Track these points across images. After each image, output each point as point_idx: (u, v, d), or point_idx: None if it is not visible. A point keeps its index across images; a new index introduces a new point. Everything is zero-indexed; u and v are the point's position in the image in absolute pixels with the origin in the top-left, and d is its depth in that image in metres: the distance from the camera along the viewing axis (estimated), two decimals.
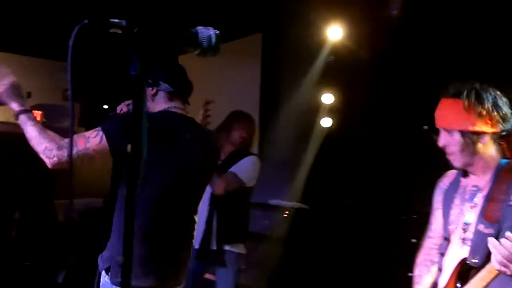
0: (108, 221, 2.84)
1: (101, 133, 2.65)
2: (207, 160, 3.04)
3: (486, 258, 2.19)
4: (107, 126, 2.69)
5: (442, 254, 2.46)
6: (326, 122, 6.74)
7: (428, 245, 2.65)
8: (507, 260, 2.06)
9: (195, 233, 4.24)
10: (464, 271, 2.29)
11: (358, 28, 5.93)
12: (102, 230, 2.84)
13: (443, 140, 2.39)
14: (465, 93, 2.34)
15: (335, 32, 6.22)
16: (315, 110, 6.74)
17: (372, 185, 6.03)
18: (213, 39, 1.66)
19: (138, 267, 2.64)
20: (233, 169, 4.24)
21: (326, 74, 6.50)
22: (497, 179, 2.34)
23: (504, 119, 2.33)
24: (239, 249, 4.31)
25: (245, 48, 7.29)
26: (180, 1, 6.20)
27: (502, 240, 2.08)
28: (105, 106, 7.08)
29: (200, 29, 1.66)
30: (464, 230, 2.36)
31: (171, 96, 2.90)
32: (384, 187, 5.85)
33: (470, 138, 2.33)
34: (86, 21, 1.48)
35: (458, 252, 2.36)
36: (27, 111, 2.69)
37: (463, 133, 2.33)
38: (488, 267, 2.17)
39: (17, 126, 2.73)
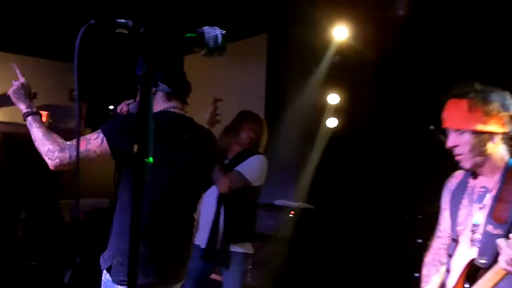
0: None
1: (101, 135, 2.69)
2: (206, 160, 3.08)
3: (494, 259, 2.18)
4: (107, 128, 2.73)
5: (450, 255, 2.45)
6: (332, 122, 6.73)
7: (436, 245, 2.64)
8: None
9: (201, 233, 4.27)
10: (472, 272, 2.27)
11: (364, 28, 5.92)
12: (108, 230, 2.85)
13: (452, 140, 2.37)
14: (474, 93, 2.33)
15: (340, 32, 6.21)
16: (321, 110, 6.73)
17: (378, 186, 6.02)
18: (220, 39, 1.66)
19: (138, 266, 2.65)
20: (238, 167, 4.21)
21: (331, 75, 6.49)
22: (506, 179, 2.32)
23: None
24: (246, 248, 4.30)
25: (250, 48, 7.29)
26: (186, 2, 6.20)
27: (511, 240, 2.07)
28: (111, 107, 7.09)
29: (206, 29, 1.66)
30: (473, 231, 2.35)
31: (169, 97, 2.92)
32: (389, 188, 5.84)
33: (481, 138, 2.31)
34: (92, 21, 1.48)
35: (466, 253, 2.34)
36: (34, 113, 2.78)
37: (474, 133, 2.31)
38: (496, 268, 2.16)
39: (24, 127, 2.78)
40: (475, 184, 2.44)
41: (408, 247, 5.01)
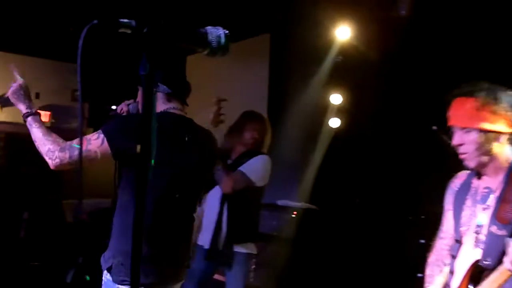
0: None
1: (102, 135, 2.70)
2: (206, 160, 3.09)
3: (499, 260, 2.17)
4: (108, 128, 2.75)
5: (453, 257, 2.43)
6: (334, 122, 6.74)
7: (439, 246, 2.63)
8: None
9: (204, 233, 4.27)
10: (477, 273, 2.26)
11: (367, 28, 5.92)
12: (110, 231, 2.86)
13: (458, 139, 2.35)
14: (483, 92, 2.31)
15: (343, 32, 6.20)
16: (323, 110, 6.73)
17: (381, 186, 6.02)
18: (223, 39, 1.66)
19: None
20: (242, 168, 4.19)
21: (334, 75, 6.49)
22: (510, 180, 2.31)
23: None
24: (249, 249, 4.29)
25: (253, 48, 7.29)
26: (189, 1, 6.20)
27: None
28: (114, 107, 7.07)
29: (209, 29, 1.66)
30: (477, 232, 2.34)
31: (169, 97, 2.92)
32: (392, 188, 5.84)
33: (487, 137, 2.30)
34: (95, 21, 1.48)
35: (470, 254, 2.33)
36: (34, 113, 2.81)
37: (481, 132, 2.29)
38: (501, 269, 2.15)
39: (26, 127, 2.79)
40: (479, 184, 2.43)
41: (410, 247, 5.01)
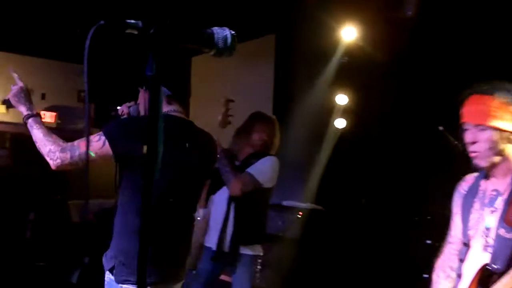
0: None
1: (103, 137, 2.71)
2: (206, 162, 3.09)
3: (508, 263, 2.15)
4: (109, 130, 2.75)
5: (461, 260, 2.41)
6: (340, 123, 6.73)
7: (447, 251, 2.59)
8: None
9: (211, 234, 4.27)
10: (485, 277, 2.23)
11: (372, 29, 5.91)
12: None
13: (471, 136, 2.30)
14: (501, 91, 2.28)
15: (349, 33, 6.20)
16: (329, 111, 6.73)
17: (387, 186, 6.01)
18: (229, 40, 1.66)
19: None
20: (250, 169, 4.15)
21: (340, 75, 6.49)
22: None
23: None
24: (256, 250, 4.27)
25: (258, 49, 7.29)
26: (195, 2, 6.21)
27: None
28: (119, 107, 7.07)
29: (216, 29, 1.66)
30: (485, 236, 2.31)
31: (169, 100, 2.92)
32: (398, 188, 5.83)
33: (502, 137, 2.26)
34: (102, 22, 1.48)
35: (478, 257, 2.31)
36: (34, 115, 2.84)
37: (496, 131, 2.26)
38: (511, 273, 2.13)
39: None
40: (487, 187, 2.40)
41: (416, 247, 5.00)
